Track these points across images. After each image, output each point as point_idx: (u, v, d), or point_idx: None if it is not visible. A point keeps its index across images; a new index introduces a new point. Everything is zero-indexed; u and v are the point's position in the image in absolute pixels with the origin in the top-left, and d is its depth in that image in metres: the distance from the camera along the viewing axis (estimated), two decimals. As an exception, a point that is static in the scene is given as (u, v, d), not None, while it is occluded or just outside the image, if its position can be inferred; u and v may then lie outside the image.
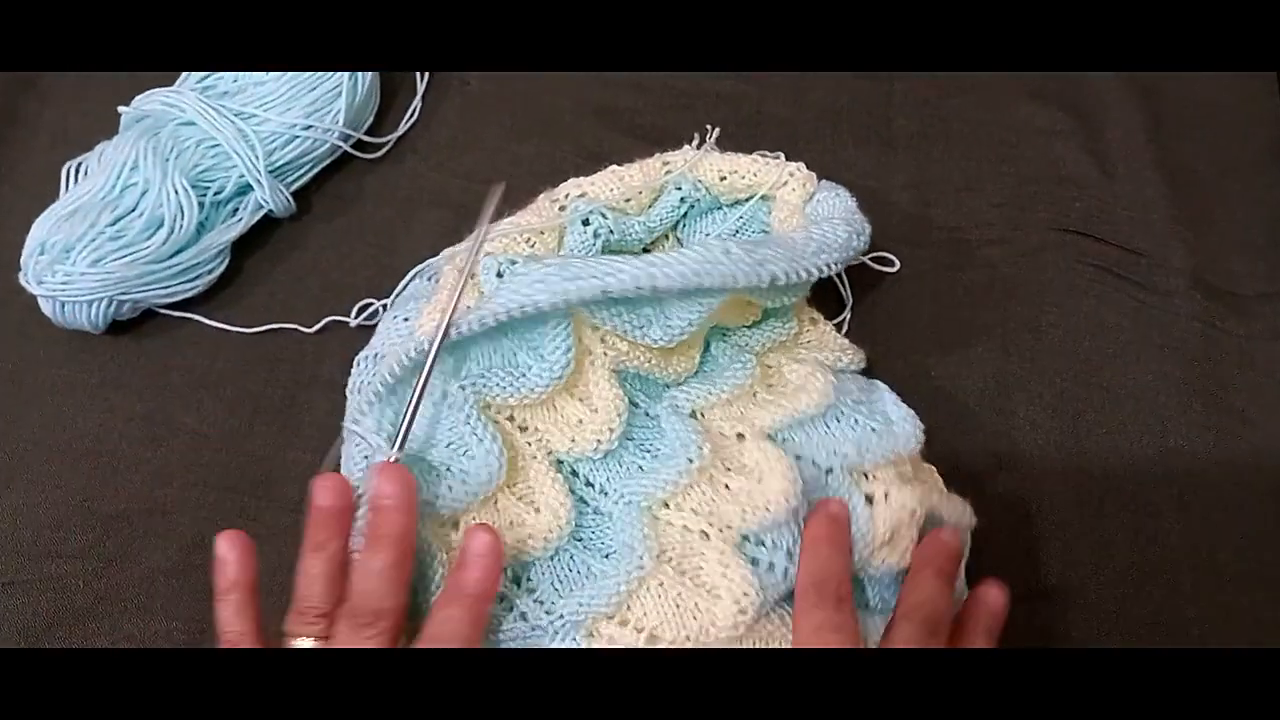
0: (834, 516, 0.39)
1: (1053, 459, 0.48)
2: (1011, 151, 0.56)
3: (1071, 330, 0.51)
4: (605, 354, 0.42)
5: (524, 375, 0.41)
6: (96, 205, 0.50)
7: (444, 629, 0.36)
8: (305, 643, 0.36)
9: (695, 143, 0.51)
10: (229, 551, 0.38)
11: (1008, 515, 0.47)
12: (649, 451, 0.42)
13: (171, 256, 0.51)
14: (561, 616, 0.39)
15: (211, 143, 0.52)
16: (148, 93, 0.53)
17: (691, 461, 0.39)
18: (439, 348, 0.39)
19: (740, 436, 0.41)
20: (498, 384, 0.41)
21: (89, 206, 0.50)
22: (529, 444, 0.42)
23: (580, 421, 0.41)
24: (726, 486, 0.40)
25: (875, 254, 0.53)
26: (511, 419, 0.42)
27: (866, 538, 0.40)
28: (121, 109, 0.53)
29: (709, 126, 0.51)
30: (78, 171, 0.53)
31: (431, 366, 0.39)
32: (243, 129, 0.52)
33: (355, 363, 0.47)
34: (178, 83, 0.54)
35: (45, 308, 0.50)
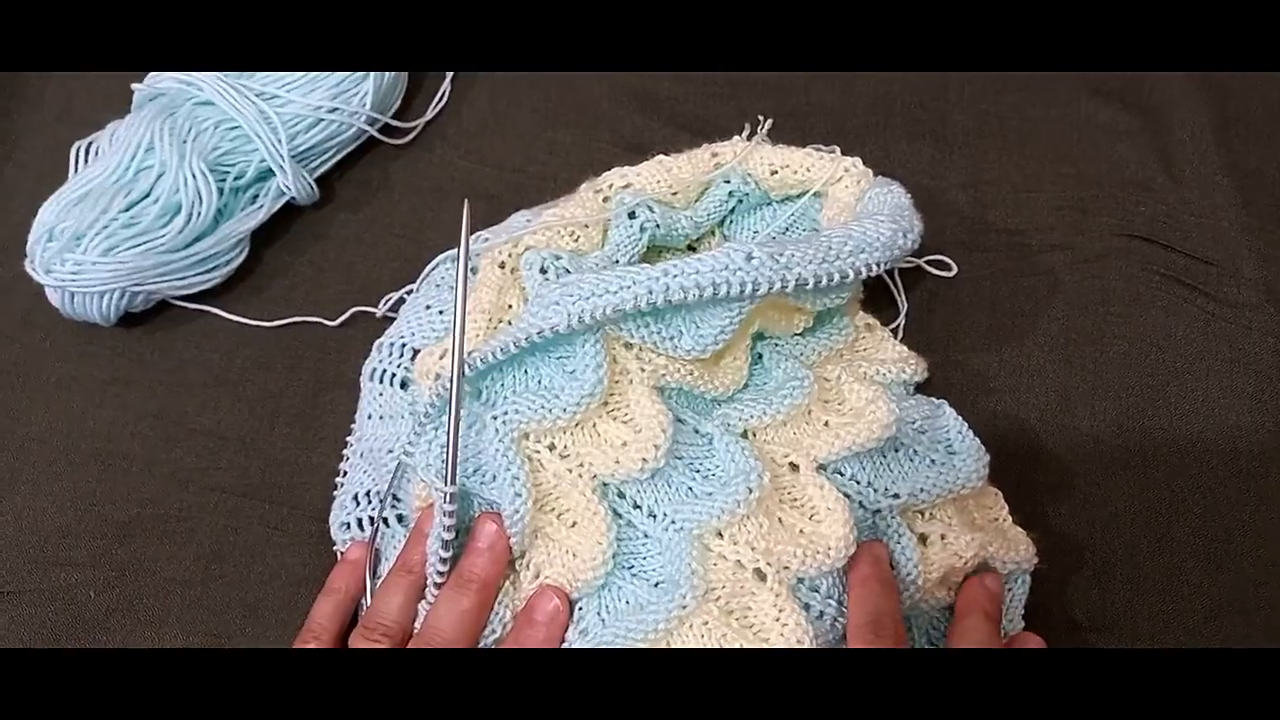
0: (878, 558, 0.38)
1: (1118, 479, 0.46)
2: (1073, 151, 0.54)
3: (1137, 342, 0.49)
4: (642, 370, 0.39)
5: (556, 397, 0.39)
6: (109, 189, 0.47)
7: (448, 615, 0.37)
8: None
9: (745, 134, 0.48)
10: (354, 554, 0.42)
11: (1071, 540, 0.45)
12: (699, 471, 0.39)
13: (188, 245, 0.48)
14: None
15: (231, 124, 0.49)
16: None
17: (751, 491, 0.37)
18: (458, 380, 0.37)
19: (794, 467, 0.39)
20: (530, 409, 0.39)
21: (101, 190, 0.47)
22: (570, 471, 0.39)
23: (624, 443, 0.39)
24: (781, 521, 0.37)
25: (931, 257, 0.50)
26: (553, 447, 0.39)
27: (916, 580, 0.38)
28: (135, 86, 0.50)
29: (760, 118, 0.48)
30: (88, 152, 0.50)
31: (457, 400, 0.37)
32: (265, 110, 0.49)
33: (375, 347, 0.45)
34: (195, 59, 0.51)
35: (53, 298, 0.47)
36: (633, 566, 0.38)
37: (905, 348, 0.46)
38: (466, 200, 0.41)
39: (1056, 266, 0.51)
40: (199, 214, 0.47)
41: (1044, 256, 0.51)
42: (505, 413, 0.39)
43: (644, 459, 0.38)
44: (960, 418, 0.42)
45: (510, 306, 0.43)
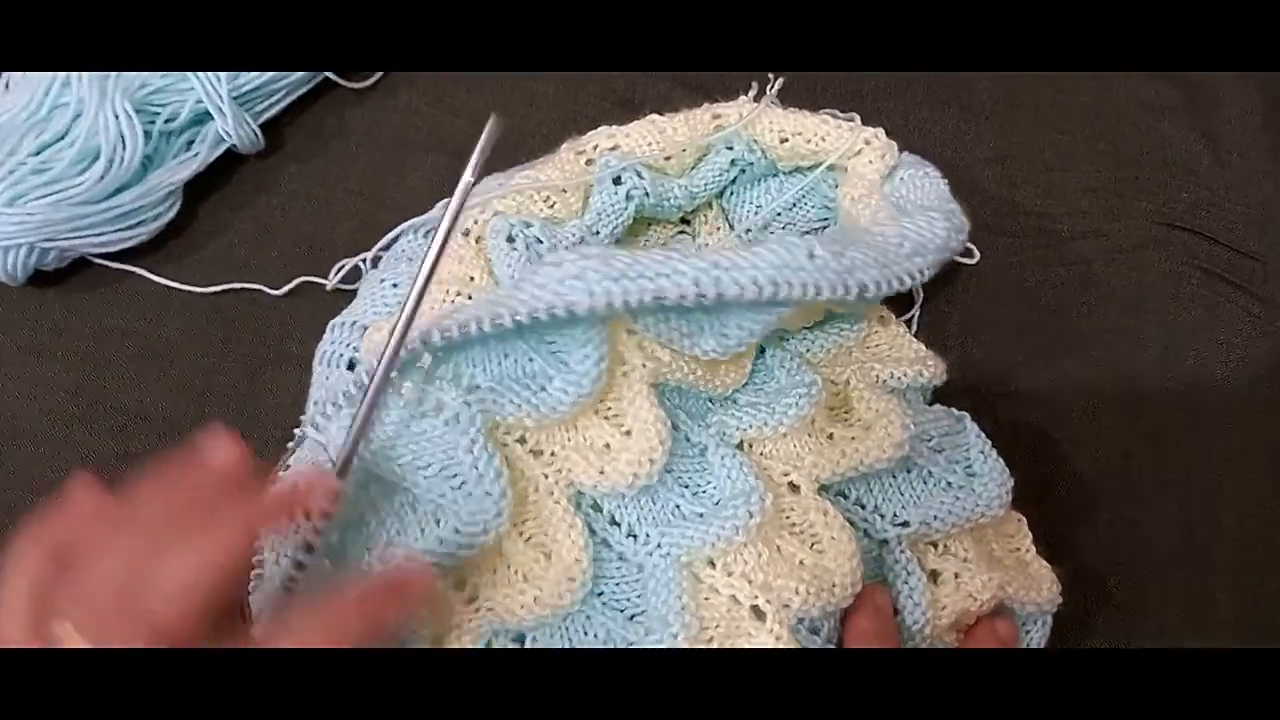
0: (879, 608, 0.33)
1: (1149, 498, 0.42)
2: (1110, 128, 0.48)
3: (1174, 345, 0.44)
4: (644, 365, 0.33)
5: (543, 390, 0.33)
6: (18, 128, 0.41)
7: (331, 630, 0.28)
8: None
9: (753, 94, 0.43)
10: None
11: (1096, 568, 0.40)
12: (688, 487, 0.34)
13: (110, 197, 0.42)
14: None
15: (163, 58, 0.43)
16: (85, -10, 0.43)
17: (752, 516, 0.31)
18: (398, 346, 0.31)
19: (794, 487, 0.34)
20: (510, 400, 0.33)
21: (8, 130, 0.41)
22: (544, 475, 0.33)
23: (608, 447, 0.33)
24: (779, 549, 0.32)
25: (951, 241, 0.45)
26: (523, 440, 0.33)
27: (924, 629, 0.34)
28: (52, 8, 0.44)
29: (770, 75, 0.43)
30: (-4, 83, 0.44)
31: (387, 370, 0.31)
32: (202, 43, 0.43)
33: (329, 328, 0.39)
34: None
35: (-49, 252, 0.41)
36: (603, 593, 0.33)
37: (923, 346, 0.40)
38: (502, 121, 0.31)
39: (1090, 256, 0.46)
40: (122, 160, 0.41)
41: (1076, 245, 0.46)
42: (480, 400, 0.33)
43: (635, 473, 0.32)
44: (983, 436, 0.37)
45: (472, 279, 0.38)
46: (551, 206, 0.39)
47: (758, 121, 0.41)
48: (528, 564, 0.33)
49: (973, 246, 0.45)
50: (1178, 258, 0.46)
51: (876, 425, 0.35)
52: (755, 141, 0.41)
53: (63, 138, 0.41)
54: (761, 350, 0.38)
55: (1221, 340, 0.44)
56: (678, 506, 0.33)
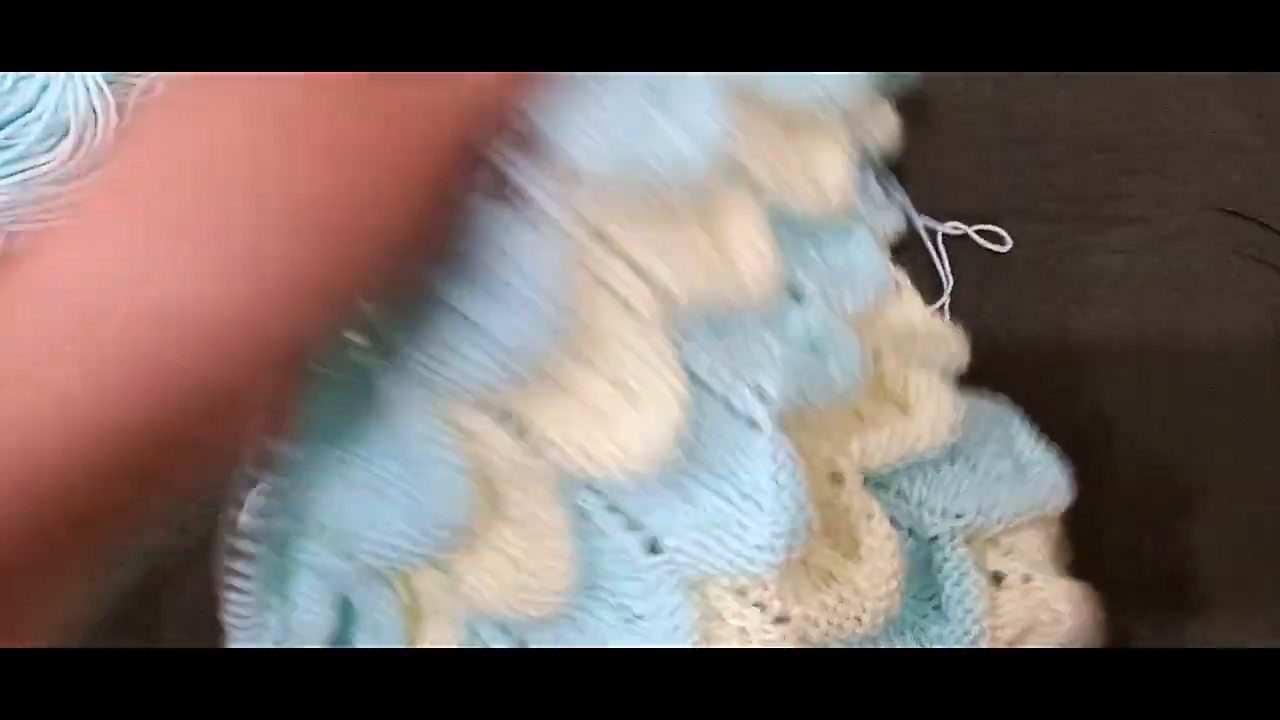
0: None
1: (1194, 507, 0.39)
2: (1154, 106, 0.45)
3: (1223, 341, 0.41)
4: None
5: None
6: (-21, 101, 0.38)
7: None
8: None
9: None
10: None
11: (1131, 586, 0.38)
12: (719, 475, 0.26)
13: (81, 176, 0.39)
14: None
15: (137, 24, 0.40)
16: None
17: (791, 549, 0.25)
18: None
19: (836, 478, 0.29)
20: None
21: (-32, 102, 0.38)
22: (527, 457, 0.26)
23: (606, 415, 0.25)
24: (805, 563, 0.27)
25: (982, 226, 0.42)
26: (507, 417, 0.26)
27: (975, 639, 0.29)
28: (17, -30, 0.41)
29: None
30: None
31: None
32: (179, 9, 0.40)
33: None
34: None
35: (-89, 234, 0.39)
36: (598, 590, 0.27)
37: (941, 322, 0.36)
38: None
39: (1132, 244, 0.43)
40: (92, 136, 0.39)
41: (1117, 231, 0.43)
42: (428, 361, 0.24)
43: (632, 468, 0.24)
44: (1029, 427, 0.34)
45: None
46: None
47: None
48: (499, 566, 0.27)
49: (1004, 233, 0.42)
50: (1228, 246, 0.42)
51: (920, 406, 0.31)
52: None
53: (30, 111, 0.38)
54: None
55: (1272, 335, 0.41)
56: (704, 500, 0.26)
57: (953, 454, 0.31)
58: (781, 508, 0.25)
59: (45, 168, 0.38)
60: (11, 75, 0.39)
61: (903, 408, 0.31)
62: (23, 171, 0.38)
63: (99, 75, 0.38)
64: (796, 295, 0.28)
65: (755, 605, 0.27)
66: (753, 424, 0.26)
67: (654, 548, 0.27)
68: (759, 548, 0.25)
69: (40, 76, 0.38)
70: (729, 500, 0.26)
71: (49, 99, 0.38)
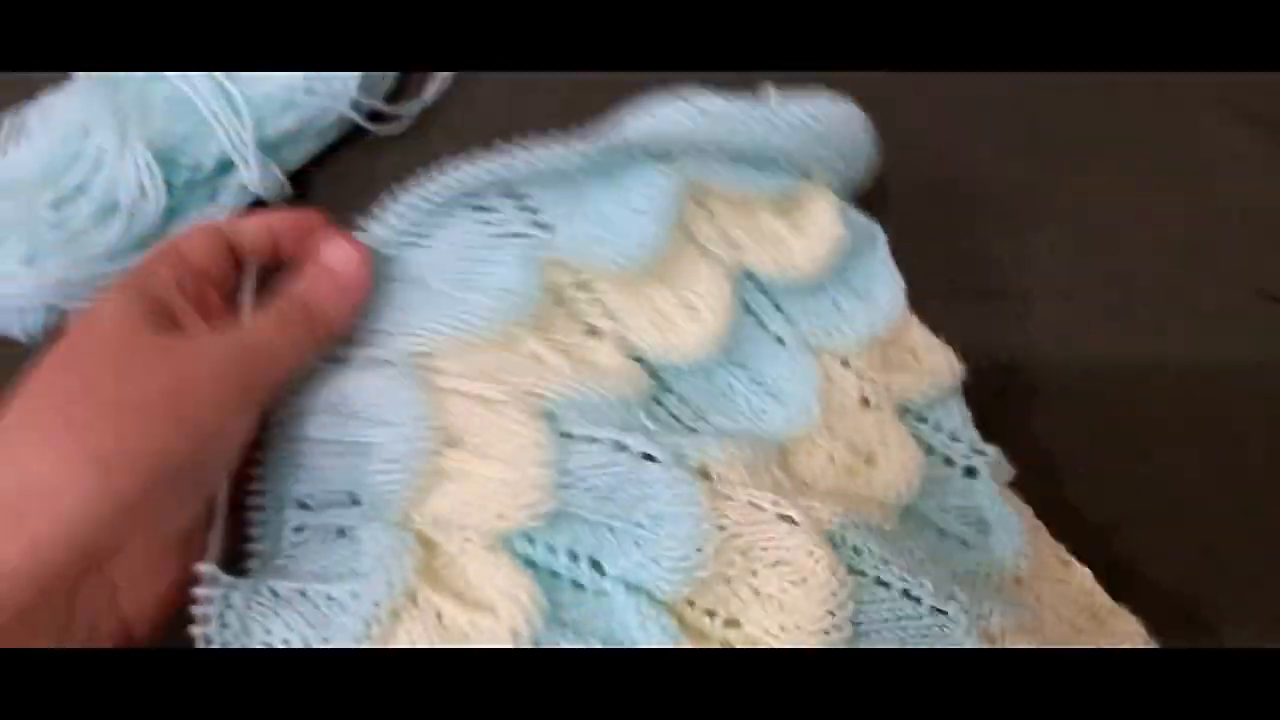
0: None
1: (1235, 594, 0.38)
2: (1195, 181, 0.45)
3: (1269, 433, 0.40)
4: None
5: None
6: (36, 180, 0.39)
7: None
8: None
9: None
10: None
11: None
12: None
13: (130, 252, 0.40)
14: None
15: (187, 103, 0.40)
16: (109, 31, 0.42)
17: (700, 550, 0.28)
18: None
19: (865, 403, 0.34)
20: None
21: (24, 183, 0.39)
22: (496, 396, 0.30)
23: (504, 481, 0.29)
24: (755, 589, 0.29)
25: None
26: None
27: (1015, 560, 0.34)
28: (73, 51, 0.42)
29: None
30: (14, 129, 0.42)
31: None
32: (227, 88, 0.41)
33: None
34: (147, 19, 0.42)
35: (-35, 308, 0.40)
36: (565, 624, 0.28)
37: (947, 353, 0.36)
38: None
39: (1172, 328, 0.42)
40: (142, 214, 0.39)
41: (1151, 310, 0.42)
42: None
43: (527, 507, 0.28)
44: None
45: None
46: None
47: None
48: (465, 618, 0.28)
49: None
50: (1269, 330, 0.42)
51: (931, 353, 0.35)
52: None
53: (81, 189, 0.39)
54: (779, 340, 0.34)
55: None
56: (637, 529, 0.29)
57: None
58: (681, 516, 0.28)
59: (97, 246, 0.39)
60: (65, 155, 0.39)
61: (917, 358, 0.35)
62: (75, 250, 0.39)
63: (148, 155, 0.39)
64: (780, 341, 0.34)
65: (724, 622, 0.29)
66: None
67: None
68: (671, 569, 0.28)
69: (92, 156, 0.39)
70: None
71: (101, 178, 0.39)
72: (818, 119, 0.35)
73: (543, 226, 0.32)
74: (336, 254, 0.31)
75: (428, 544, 0.29)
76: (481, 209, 0.32)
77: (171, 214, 0.41)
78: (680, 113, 0.33)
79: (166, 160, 0.40)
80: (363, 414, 0.30)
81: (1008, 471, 0.36)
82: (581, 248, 0.32)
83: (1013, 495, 0.35)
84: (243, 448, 0.29)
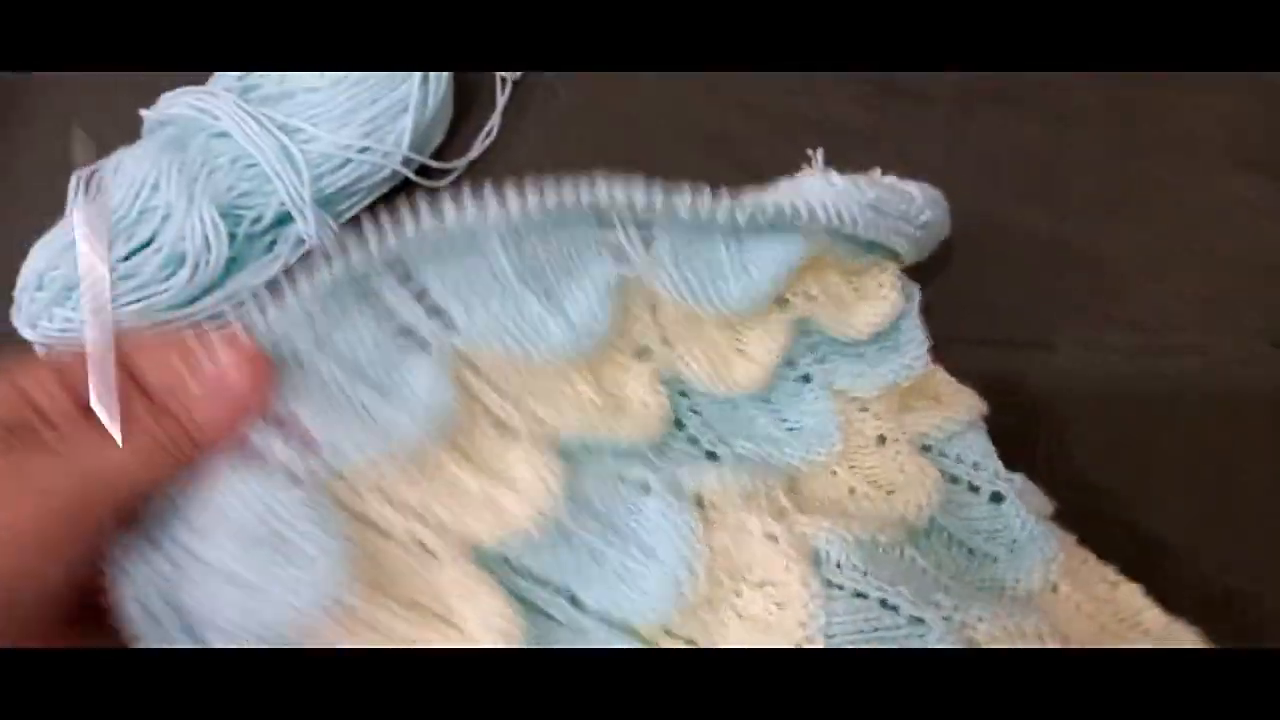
0: None
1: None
2: (1212, 232, 0.46)
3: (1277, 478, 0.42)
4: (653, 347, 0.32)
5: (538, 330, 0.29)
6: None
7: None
8: None
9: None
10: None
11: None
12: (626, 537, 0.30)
13: (193, 301, 0.42)
14: None
15: (249, 161, 0.43)
16: (176, 91, 0.44)
17: (681, 587, 0.29)
18: None
19: (882, 440, 0.35)
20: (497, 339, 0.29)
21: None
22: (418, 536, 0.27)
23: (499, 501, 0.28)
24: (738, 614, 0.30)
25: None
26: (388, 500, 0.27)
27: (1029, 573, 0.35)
28: (144, 112, 0.44)
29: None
30: (89, 184, 0.44)
31: None
32: (288, 147, 0.43)
33: None
34: (211, 81, 0.45)
35: (42, 353, 0.42)
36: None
37: (969, 394, 0.37)
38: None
39: (1188, 373, 0.44)
40: (207, 264, 0.42)
41: (1172, 362, 0.44)
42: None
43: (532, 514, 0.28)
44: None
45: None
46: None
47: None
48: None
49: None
50: (1283, 376, 0.43)
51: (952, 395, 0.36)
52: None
53: (149, 243, 0.42)
54: (807, 379, 0.35)
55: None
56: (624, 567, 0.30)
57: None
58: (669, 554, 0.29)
59: (164, 296, 0.41)
60: (137, 209, 0.42)
61: (936, 400, 0.36)
62: (143, 300, 0.41)
63: (213, 210, 0.42)
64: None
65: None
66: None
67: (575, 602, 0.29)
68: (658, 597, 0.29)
69: (161, 210, 0.42)
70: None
71: (169, 232, 0.41)
72: (914, 203, 0.37)
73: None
74: (222, 356, 0.25)
75: None
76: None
77: (233, 264, 0.43)
78: (819, 188, 0.34)
79: (229, 214, 0.43)
80: (269, 542, 0.25)
81: (1047, 505, 0.36)
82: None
83: (1054, 525, 0.36)
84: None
